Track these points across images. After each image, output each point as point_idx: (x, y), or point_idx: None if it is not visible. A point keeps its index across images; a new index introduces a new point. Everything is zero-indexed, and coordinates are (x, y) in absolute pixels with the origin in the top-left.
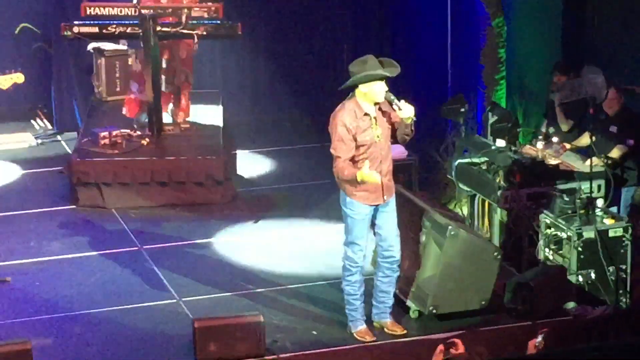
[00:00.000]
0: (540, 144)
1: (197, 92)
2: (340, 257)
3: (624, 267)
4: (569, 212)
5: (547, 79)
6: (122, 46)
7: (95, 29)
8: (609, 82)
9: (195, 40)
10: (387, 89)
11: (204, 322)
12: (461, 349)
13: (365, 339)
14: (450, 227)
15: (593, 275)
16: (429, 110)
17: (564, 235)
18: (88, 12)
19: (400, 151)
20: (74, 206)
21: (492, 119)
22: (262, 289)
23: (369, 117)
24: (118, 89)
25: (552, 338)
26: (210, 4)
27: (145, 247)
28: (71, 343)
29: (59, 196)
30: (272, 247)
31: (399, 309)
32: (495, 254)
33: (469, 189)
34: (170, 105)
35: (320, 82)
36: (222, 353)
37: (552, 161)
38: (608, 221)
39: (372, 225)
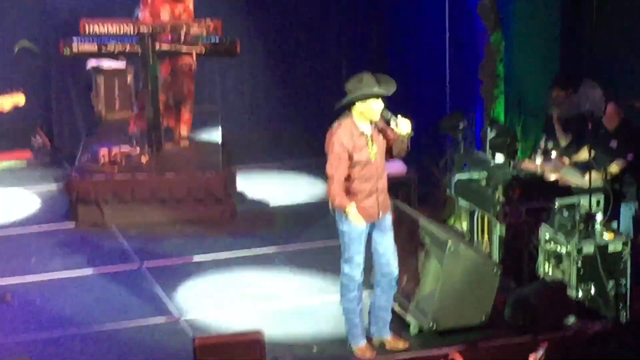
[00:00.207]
0: (539, 159)
1: (196, 109)
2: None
3: (623, 281)
4: (569, 226)
5: (545, 94)
6: (121, 64)
7: (94, 47)
8: (607, 97)
9: (194, 57)
10: (383, 106)
11: (205, 340)
12: None
13: (366, 356)
14: (449, 242)
15: (593, 290)
16: (428, 125)
17: (563, 250)
18: (87, 30)
19: (399, 167)
20: (73, 224)
21: (490, 134)
22: (263, 306)
23: (365, 136)
24: (117, 107)
25: (552, 353)
26: (209, 21)
27: (145, 264)
28: None
29: (58, 214)
30: (272, 263)
31: (399, 325)
32: (495, 269)
33: (468, 205)
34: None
35: (319, 99)
36: None
37: (551, 176)
38: (607, 236)
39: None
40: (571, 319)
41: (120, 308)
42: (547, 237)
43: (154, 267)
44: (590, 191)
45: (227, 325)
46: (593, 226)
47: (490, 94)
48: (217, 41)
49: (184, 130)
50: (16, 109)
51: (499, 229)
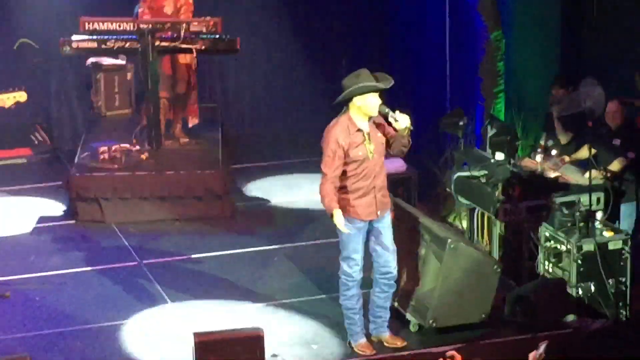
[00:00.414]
0: (539, 157)
1: None
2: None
3: (623, 279)
4: (569, 224)
5: (545, 92)
6: (120, 61)
7: (94, 44)
8: (610, 95)
9: (194, 54)
10: (381, 102)
11: (204, 337)
12: None
13: (366, 353)
14: (449, 240)
15: (592, 288)
16: (428, 123)
17: (563, 248)
18: (87, 27)
19: (399, 165)
20: (73, 221)
21: (491, 132)
22: (262, 303)
23: (362, 133)
24: (117, 104)
25: (551, 351)
26: (208, 18)
27: (145, 261)
28: (71, 358)
29: (58, 211)
30: (271, 261)
31: (399, 323)
32: (495, 267)
33: (468, 202)
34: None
35: (319, 96)
36: None
37: (551, 174)
38: (607, 234)
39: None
40: (571, 317)
41: (119, 305)
42: (547, 235)
43: (153, 264)
44: (590, 189)
45: (227, 322)
46: (593, 224)
47: (491, 92)
48: (217, 38)
49: (192, 122)
50: (18, 105)
51: (498, 227)
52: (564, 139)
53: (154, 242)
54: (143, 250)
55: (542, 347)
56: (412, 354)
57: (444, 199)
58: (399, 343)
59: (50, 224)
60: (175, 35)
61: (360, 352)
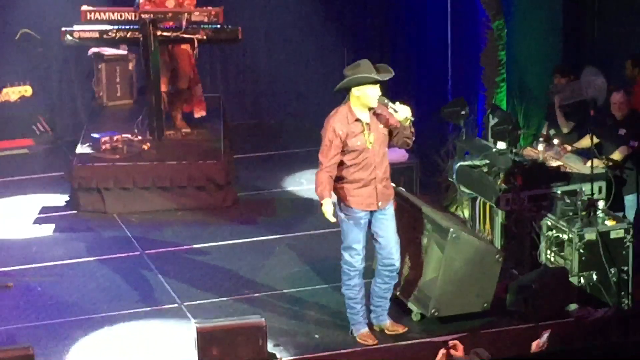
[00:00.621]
0: (541, 146)
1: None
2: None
3: (625, 268)
4: (571, 214)
5: (547, 81)
6: (122, 51)
7: (96, 34)
8: (615, 85)
9: (196, 44)
10: (380, 93)
11: (206, 326)
12: (460, 351)
13: (368, 342)
14: (451, 229)
15: (595, 277)
16: (430, 113)
17: (565, 237)
18: (88, 17)
19: (401, 154)
20: (75, 211)
21: (492, 121)
22: (264, 293)
23: (361, 123)
24: (119, 94)
25: (553, 340)
26: (210, 8)
27: (146, 251)
28: (73, 348)
29: (60, 202)
30: (274, 251)
31: (401, 312)
32: (497, 256)
33: (470, 192)
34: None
35: (321, 86)
36: (224, 357)
37: (553, 163)
38: (609, 223)
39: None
40: (573, 306)
41: (121, 295)
42: (549, 224)
43: (155, 254)
44: (592, 178)
45: (229, 312)
46: (595, 213)
47: (492, 81)
48: (219, 28)
49: (199, 114)
50: (23, 99)
51: (500, 216)
52: (565, 128)
53: (156, 232)
54: (145, 239)
55: (544, 336)
56: (414, 343)
57: (446, 188)
58: (400, 329)
59: (52, 214)
60: (176, 25)
61: (362, 342)
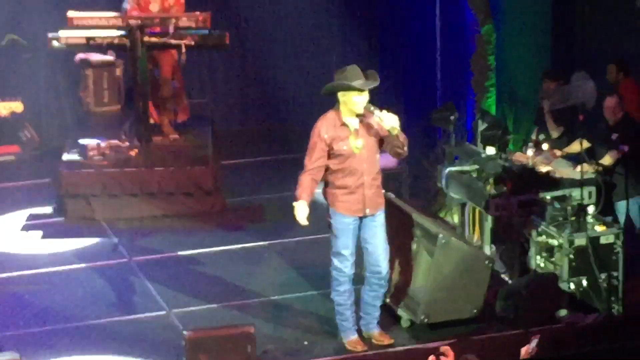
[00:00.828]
0: (530, 151)
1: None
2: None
3: (615, 274)
4: (560, 219)
5: (537, 86)
6: (109, 57)
7: (83, 40)
8: (601, 88)
9: (183, 50)
10: (367, 99)
11: (195, 333)
12: (450, 357)
13: (357, 349)
14: (440, 235)
15: (585, 283)
16: (419, 118)
17: (555, 242)
18: (74, 23)
19: (390, 160)
20: (62, 218)
21: (482, 126)
22: (253, 300)
23: (348, 128)
24: (106, 100)
25: (543, 346)
26: (198, 13)
27: (134, 258)
28: (61, 356)
29: (47, 208)
30: (262, 257)
31: (391, 319)
32: (487, 262)
33: (459, 197)
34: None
35: (309, 92)
36: None
37: (543, 168)
38: (599, 228)
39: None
40: (563, 312)
41: (109, 302)
42: (539, 229)
43: (143, 260)
44: (581, 183)
45: (217, 318)
46: (585, 218)
47: (482, 86)
48: (207, 33)
49: (181, 118)
50: (13, 115)
51: (490, 222)
52: (555, 133)
53: (144, 238)
54: (133, 246)
55: (534, 342)
56: (403, 350)
57: (435, 194)
58: (386, 341)
59: (39, 221)
60: (164, 30)
61: (352, 349)
